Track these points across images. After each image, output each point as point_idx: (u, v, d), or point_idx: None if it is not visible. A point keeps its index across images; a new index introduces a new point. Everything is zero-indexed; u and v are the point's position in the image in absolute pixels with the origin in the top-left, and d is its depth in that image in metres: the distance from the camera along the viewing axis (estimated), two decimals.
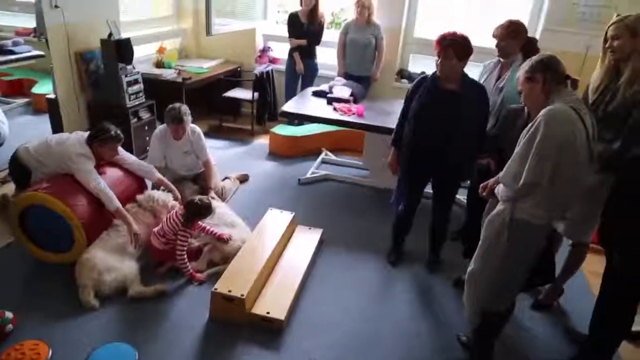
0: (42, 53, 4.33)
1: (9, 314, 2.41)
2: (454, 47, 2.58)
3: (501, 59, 3.09)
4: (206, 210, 2.90)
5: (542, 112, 1.90)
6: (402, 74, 5.31)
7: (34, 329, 2.43)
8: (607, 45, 2.34)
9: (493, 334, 2.35)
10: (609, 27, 2.34)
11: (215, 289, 2.57)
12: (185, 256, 2.84)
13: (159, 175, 3.40)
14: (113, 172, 3.20)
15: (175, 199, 3.33)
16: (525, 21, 4.79)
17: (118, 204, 2.91)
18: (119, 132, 3.05)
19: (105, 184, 2.92)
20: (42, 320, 2.50)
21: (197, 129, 3.72)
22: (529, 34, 4.73)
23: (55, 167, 2.99)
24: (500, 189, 2.11)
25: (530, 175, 1.90)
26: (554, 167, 1.87)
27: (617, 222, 2.18)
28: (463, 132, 2.73)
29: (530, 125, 1.94)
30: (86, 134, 3.05)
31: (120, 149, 3.21)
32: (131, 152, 4.14)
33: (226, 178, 4.03)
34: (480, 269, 2.18)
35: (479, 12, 5.33)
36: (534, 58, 2.05)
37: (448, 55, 2.60)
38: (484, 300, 2.21)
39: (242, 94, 5.41)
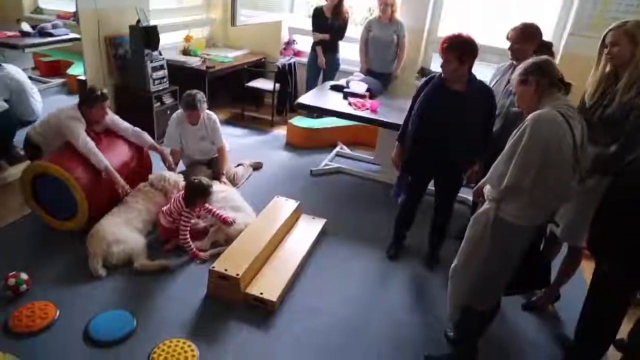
0: (78, 36, 4.56)
1: (23, 276, 2.60)
2: (454, 51, 2.60)
3: (514, 62, 3.08)
4: (203, 190, 3.00)
5: (530, 116, 1.93)
6: (424, 72, 5.31)
7: (45, 292, 2.63)
8: (606, 52, 2.32)
9: (474, 332, 2.38)
10: (607, 33, 2.32)
11: (213, 267, 2.70)
12: (188, 235, 2.98)
13: (151, 141, 3.58)
14: (116, 146, 3.40)
15: (169, 166, 3.58)
16: (552, 24, 4.79)
17: (107, 162, 3.09)
18: (104, 91, 3.22)
19: (93, 144, 3.09)
20: (53, 284, 2.70)
21: (213, 115, 3.86)
22: (556, 38, 4.68)
23: (55, 138, 3.19)
24: (486, 189, 2.15)
25: (514, 177, 1.93)
26: (537, 171, 1.90)
27: (609, 228, 2.18)
28: (466, 132, 2.76)
29: (518, 128, 1.98)
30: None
31: (116, 116, 3.42)
32: (152, 134, 4.34)
33: (239, 164, 4.16)
34: (463, 265, 2.23)
35: (505, 14, 5.27)
36: (529, 61, 2.07)
37: (448, 58, 2.62)
38: (464, 297, 2.25)
39: (264, 84, 5.54)
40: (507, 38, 3.06)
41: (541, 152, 1.87)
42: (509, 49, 3.04)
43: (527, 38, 2.95)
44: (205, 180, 3.07)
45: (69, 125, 3.08)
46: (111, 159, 3.19)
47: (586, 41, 4.52)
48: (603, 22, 4.46)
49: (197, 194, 3.00)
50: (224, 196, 3.37)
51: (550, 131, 1.87)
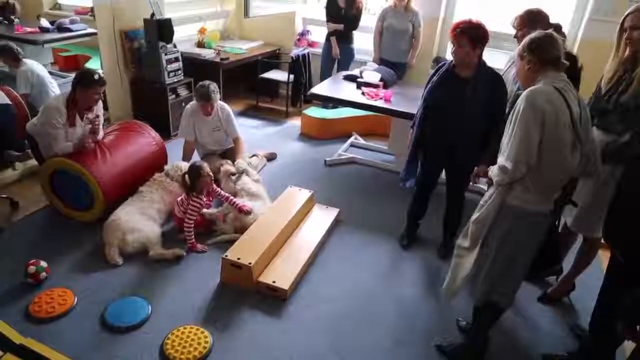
0: (95, 31, 4.65)
1: (43, 263, 2.68)
2: (467, 34, 2.57)
3: None
4: (197, 172, 3.03)
5: (524, 92, 1.89)
6: (438, 61, 5.24)
7: (65, 279, 2.71)
8: (625, 36, 2.26)
9: (489, 325, 2.36)
10: (626, 16, 2.25)
11: (226, 255, 2.74)
12: (192, 225, 3.01)
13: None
14: (131, 139, 3.47)
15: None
16: (570, 10, 4.67)
17: (70, 144, 3.09)
18: (102, 76, 3.11)
19: (69, 147, 3.09)
20: (71, 272, 2.78)
21: (227, 107, 3.89)
22: (574, 24, 4.57)
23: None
24: (493, 173, 2.08)
25: (518, 154, 1.88)
26: (538, 144, 1.85)
27: (624, 218, 2.13)
28: (474, 118, 2.74)
29: (514, 106, 1.94)
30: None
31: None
32: (167, 126, 4.41)
33: (254, 155, 4.18)
34: (470, 248, 2.19)
35: (523, 1, 5.16)
36: (529, 36, 2.02)
37: (461, 43, 2.60)
38: (484, 294, 2.20)
39: (278, 75, 5.56)
40: (512, 25, 3.01)
41: (539, 124, 1.82)
42: (514, 36, 2.99)
43: (530, 24, 2.88)
44: (198, 162, 3.10)
45: (49, 129, 3.04)
46: (129, 151, 3.31)
47: (607, 26, 4.38)
48: (626, 5, 4.32)
49: (192, 178, 3.03)
50: (243, 183, 3.44)
51: (544, 103, 1.82)
